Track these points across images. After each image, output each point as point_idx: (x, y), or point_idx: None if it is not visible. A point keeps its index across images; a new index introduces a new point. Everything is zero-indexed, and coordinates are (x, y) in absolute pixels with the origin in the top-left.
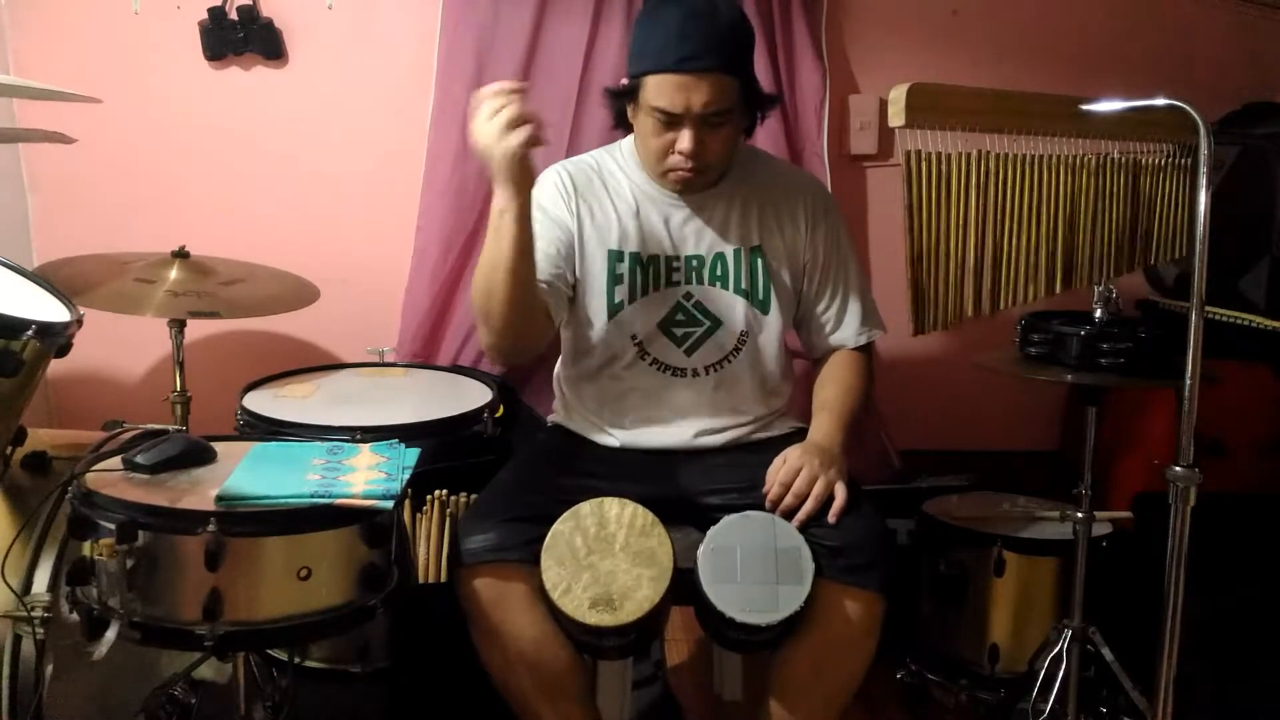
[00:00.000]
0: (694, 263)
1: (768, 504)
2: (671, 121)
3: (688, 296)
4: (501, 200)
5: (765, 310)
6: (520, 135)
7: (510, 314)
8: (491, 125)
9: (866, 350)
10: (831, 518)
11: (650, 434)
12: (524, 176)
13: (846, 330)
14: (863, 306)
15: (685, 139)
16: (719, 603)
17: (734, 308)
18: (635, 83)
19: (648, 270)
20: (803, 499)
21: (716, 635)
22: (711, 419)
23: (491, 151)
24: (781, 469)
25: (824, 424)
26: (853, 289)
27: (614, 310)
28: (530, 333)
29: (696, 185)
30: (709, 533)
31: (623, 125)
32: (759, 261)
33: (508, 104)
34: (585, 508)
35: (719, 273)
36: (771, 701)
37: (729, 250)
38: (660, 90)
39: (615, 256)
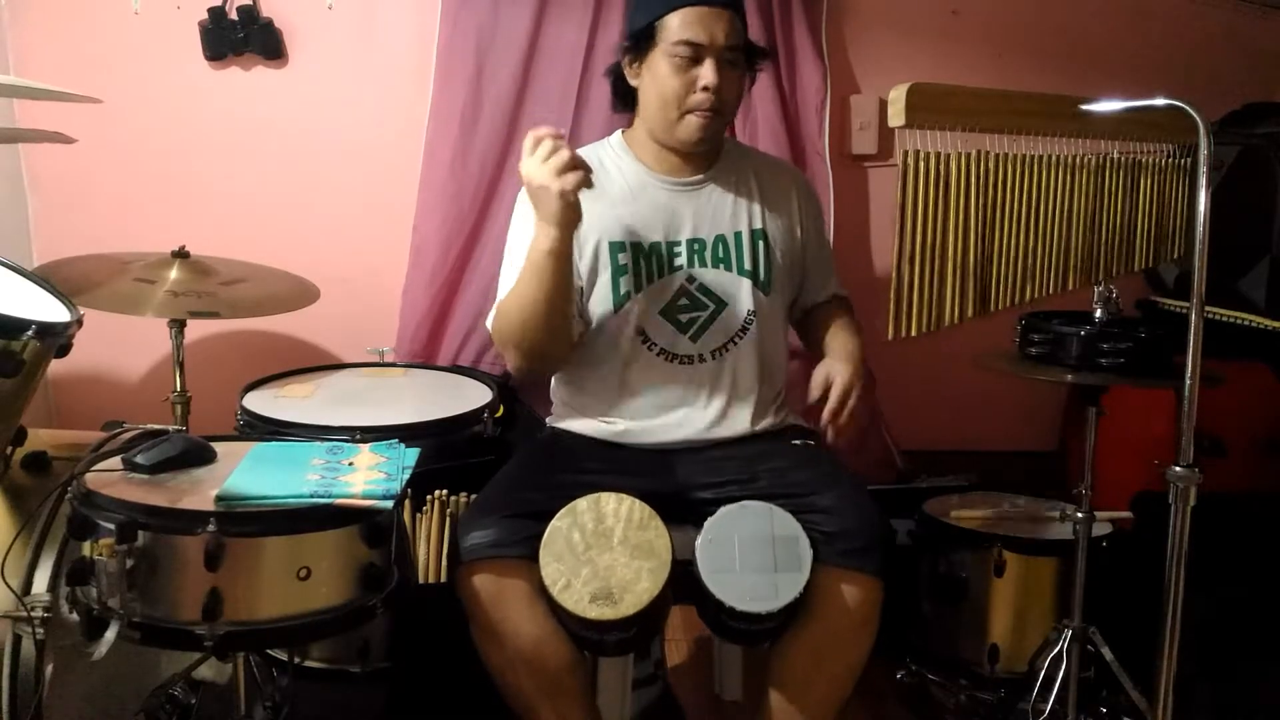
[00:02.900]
0: (695, 246)
1: (827, 413)
2: (695, 57)
3: (690, 280)
4: (547, 241)
5: (767, 291)
6: (574, 179)
7: (548, 343)
8: (545, 167)
9: (846, 302)
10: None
11: (655, 428)
12: (573, 218)
13: (830, 286)
14: (833, 272)
15: (709, 71)
16: (718, 592)
17: (739, 289)
18: (650, 28)
19: (650, 258)
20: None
21: (717, 626)
22: (715, 407)
23: (545, 191)
24: (837, 385)
25: (848, 341)
26: (830, 258)
27: (620, 302)
28: (563, 353)
29: (714, 131)
30: (706, 523)
31: (621, 102)
32: (761, 243)
33: (559, 148)
34: (582, 503)
35: (721, 254)
36: (772, 692)
37: (730, 232)
38: (686, 23)
39: (617, 247)
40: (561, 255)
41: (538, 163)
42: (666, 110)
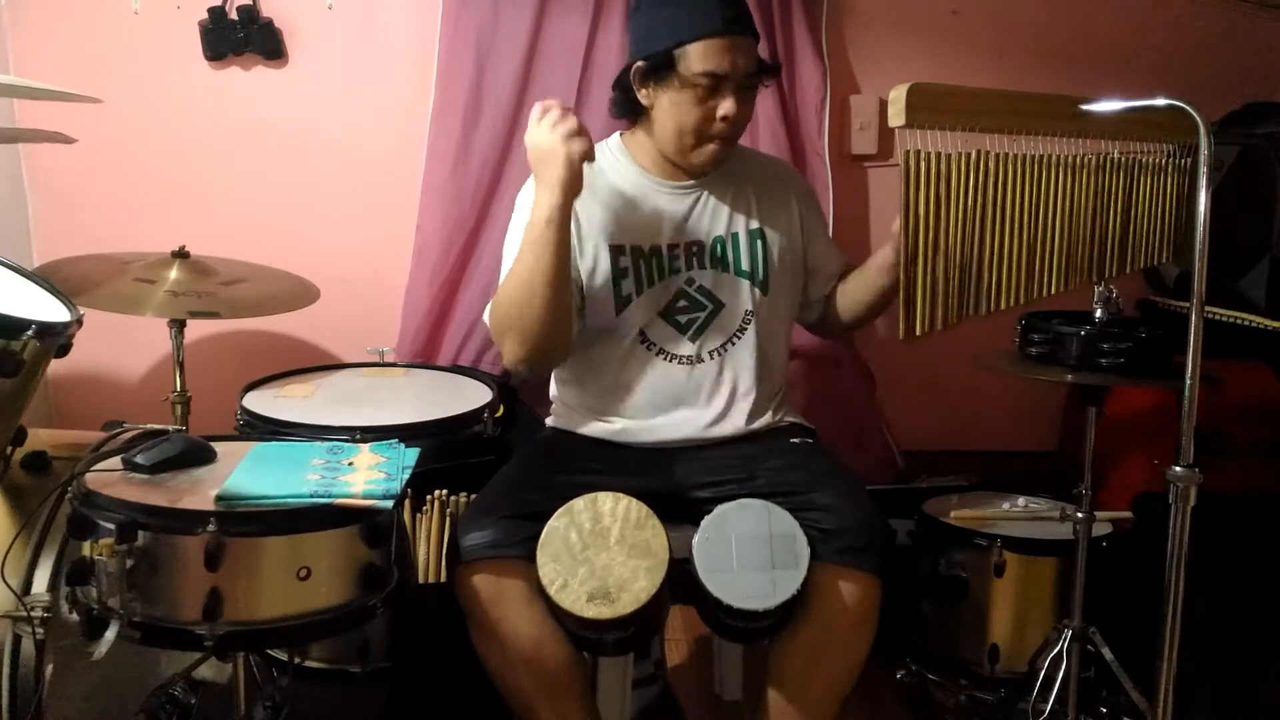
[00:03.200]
0: (694, 248)
1: None
2: (715, 87)
3: (690, 281)
4: (548, 209)
5: (766, 291)
6: (582, 144)
7: (549, 323)
8: (554, 131)
9: None
10: None
11: (654, 427)
12: (576, 183)
13: (839, 263)
14: (839, 256)
15: (730, 103)
16: (716, 591)
17: (738, 290)
18: (669, 54)
19: (650, 261)
20: None
21: (715, 625)
22: (714, 406)
23: (552, 153)
24: None
25: None
26: (835, 250)
27: (622, 304)
28: (563, 341)
29: (725, 155)
30: (703, 522)
31: (623, 111)
32: (759, 244)
33: (567, 115)
34: (579, 503)
35: (719, 256)
36: (770, 691)
37: (728, 234)
38: (708, 54)
39: (617, 251)
40: (560, 225)
41: (546, 128)
42: (683, 138)
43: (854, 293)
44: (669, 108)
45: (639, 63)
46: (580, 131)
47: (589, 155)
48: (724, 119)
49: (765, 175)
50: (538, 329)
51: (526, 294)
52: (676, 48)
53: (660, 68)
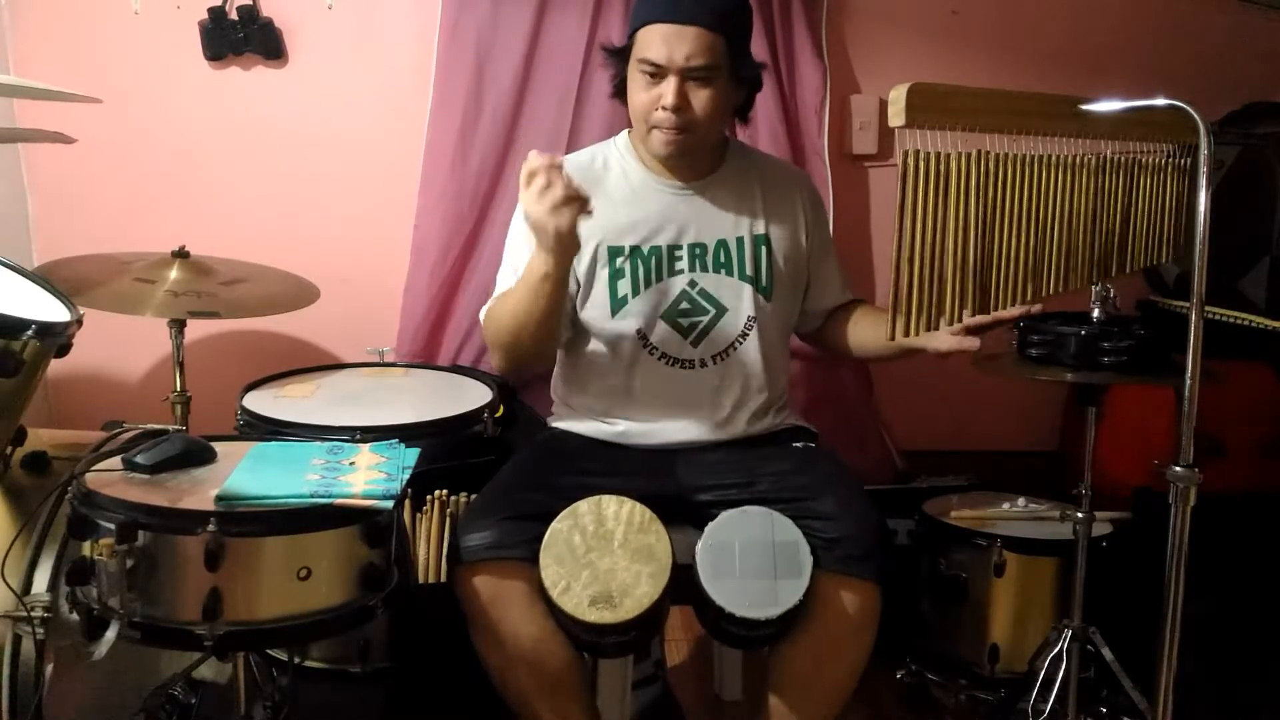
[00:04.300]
0: (696, 250)
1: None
2: (657, 74)
3: (691, 284)
4: (545, 266)
5: (769, 297)
6: (569, 215)
7: (534, 354)
8: (541, 204)
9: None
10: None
11: (656, 430)
12: (571, 248)
13: (847, 291)
14: (843, 274)
15: (669, 91)
16: (718, 598)
17: (739, 294)
18: (629, 41)
19: (649, 261)
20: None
21: (716, 631)
22: (717, 411)
23: (540, 228)
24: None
25: None
26: (836, 262)
27: (618, 306)
28: (549, 358)
29: (684, 148)
30: (707, 528)
31: (621, 95)
32: (763, 249)
33: (553, 181)
34: (583, 506)
35: (722, 259)
36: (771, 698)
37: (732, 237)
38: (648, 40)
39: (615, 251)
40: (558, 281)
41: (533, 199)
42: (638, 124)
43: (866, 342)
44: (630, 92)
45: (616, 48)
46: (567, 200)
47: (583, 212)
48: (663, 107)
49: (774, 178)
50: (527, 356)
51: (521, 330)
52: (634, 32)
53: (623, 51)
